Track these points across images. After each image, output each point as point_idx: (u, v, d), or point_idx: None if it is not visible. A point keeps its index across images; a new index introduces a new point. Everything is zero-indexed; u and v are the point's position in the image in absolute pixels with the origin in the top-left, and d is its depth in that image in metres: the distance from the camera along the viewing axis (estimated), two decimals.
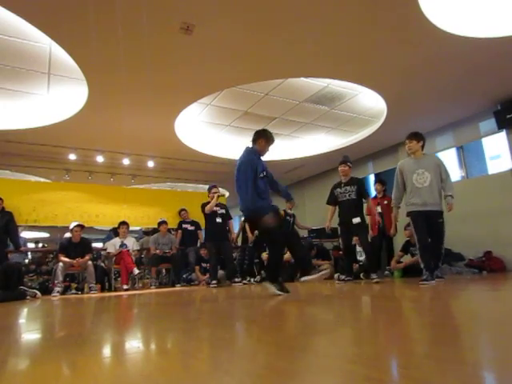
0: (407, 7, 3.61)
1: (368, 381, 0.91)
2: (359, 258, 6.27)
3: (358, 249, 6.37)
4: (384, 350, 1.28)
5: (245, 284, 6.11)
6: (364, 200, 5.11)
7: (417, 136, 4.26)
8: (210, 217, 5.98)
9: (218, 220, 6.00)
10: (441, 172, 4.12)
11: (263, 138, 3.69)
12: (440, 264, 4.27)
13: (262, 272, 6.73)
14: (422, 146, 4.26)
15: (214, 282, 5.89)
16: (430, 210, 4.05)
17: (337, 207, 5.13)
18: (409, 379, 0.91)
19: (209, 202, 6.12)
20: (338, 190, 5.08)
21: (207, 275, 6.76)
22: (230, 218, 6.49)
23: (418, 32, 4.02)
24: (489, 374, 0.94)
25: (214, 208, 6.05)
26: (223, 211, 6.12)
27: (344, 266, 5.37)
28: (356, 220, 4.84)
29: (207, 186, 6.54)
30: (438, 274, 4.18)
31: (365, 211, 5.19)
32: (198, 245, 7.31)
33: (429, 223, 4.07)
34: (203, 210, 6.06)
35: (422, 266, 3.99)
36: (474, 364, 1.01)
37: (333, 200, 5.17)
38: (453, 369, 0.98)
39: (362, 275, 5.87)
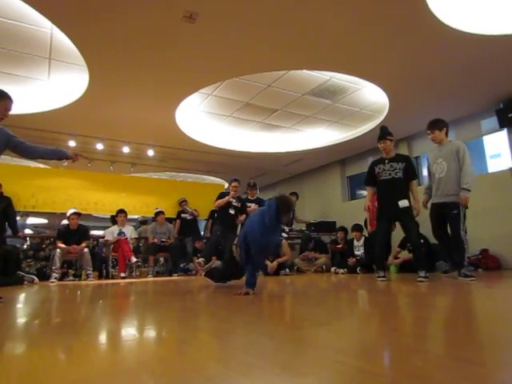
0: (412, 1, 3.57)
1: (360, 373, 0.92)
2: (356, 252, 6.30)
3: (356, 243, 6.40)
4: (377, 343, 1.29)
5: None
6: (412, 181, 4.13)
7: (438, 124, 4.04)
8: (223, 206, 5.93)
9: (231, 211, 5.95)
10: (458, 159, 3.85)
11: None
12: (463, 260, 3.78)
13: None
14: (446, 133, 4.05)
15: (206, 266, 5.82)
16: (444, 202, 3.89)
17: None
18: (400, 372, 0.93)
19: (228, 193, 6.10)
20: (381, 166, 4.24)
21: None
22: (246, 215, 6.25)
23: (422, 27, 3.98)
24: (480, 370, 0.95)
25: (230, 199, 5.99)
26: (238, 205, 6.03)
27: (376, 261, 4.40)
28: (403, 203, 3.98)
29: (206, 176, 6.48)
30: (466, 273, 3.71)
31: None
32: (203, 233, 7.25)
33: (445, 215, 3.94)
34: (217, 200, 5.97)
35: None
36: (464, 359, 1.02)
37: (372, 179, 4.34)
38: (443, 363, 0.99)
39: (358, 270, 5.91)
